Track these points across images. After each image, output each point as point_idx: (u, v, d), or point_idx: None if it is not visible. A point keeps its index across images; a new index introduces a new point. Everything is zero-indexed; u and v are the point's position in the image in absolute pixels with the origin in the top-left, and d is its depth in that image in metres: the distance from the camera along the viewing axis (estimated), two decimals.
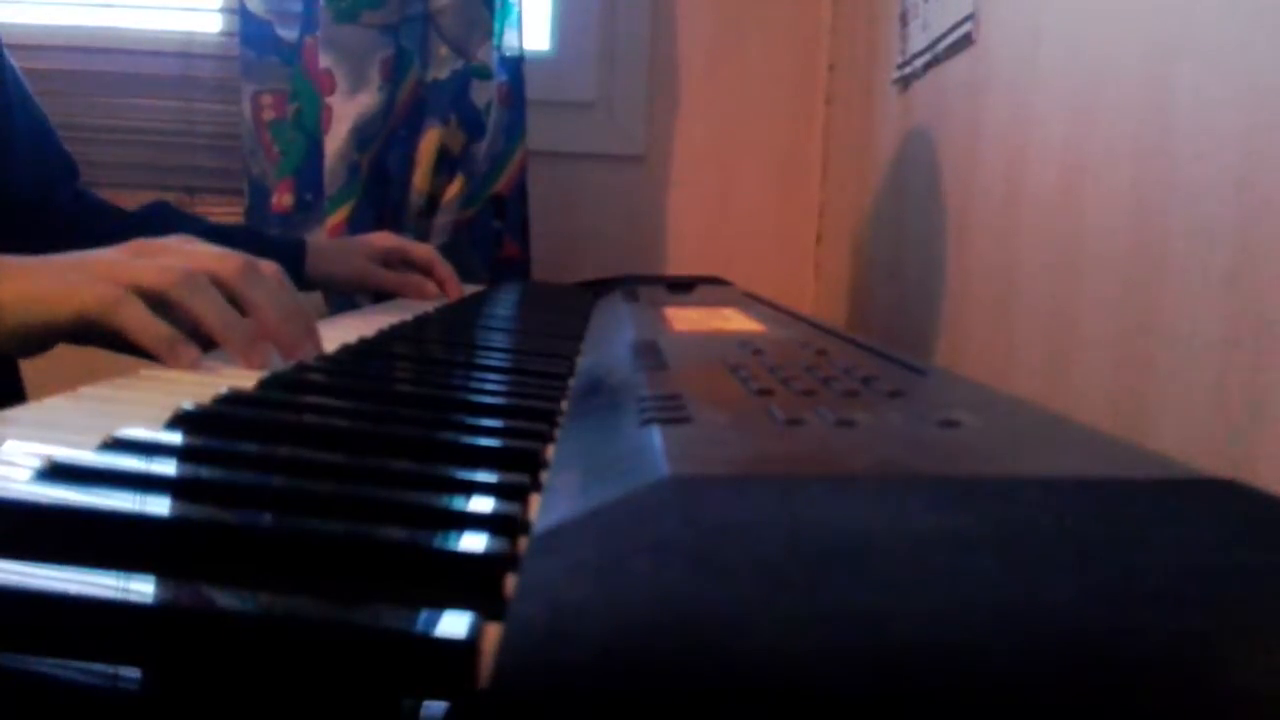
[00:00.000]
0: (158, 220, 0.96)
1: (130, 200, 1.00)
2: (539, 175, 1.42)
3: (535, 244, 1.41)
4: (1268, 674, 0.16)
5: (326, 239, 1.22)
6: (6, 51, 0.87)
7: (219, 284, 0.51)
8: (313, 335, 0.55)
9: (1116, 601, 0.17)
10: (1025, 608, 0.17)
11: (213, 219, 1.19)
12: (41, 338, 0.51)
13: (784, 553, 0.18)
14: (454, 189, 1.32)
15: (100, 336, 0.50)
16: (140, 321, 0.48)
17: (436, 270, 1.10)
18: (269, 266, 0.55)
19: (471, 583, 0.21)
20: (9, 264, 0.52)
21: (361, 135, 1.27)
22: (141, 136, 1.46)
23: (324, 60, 1.26)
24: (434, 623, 0.18)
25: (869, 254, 1.29)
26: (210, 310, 0.50)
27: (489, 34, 1.31)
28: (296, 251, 1.02)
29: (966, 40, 0.93)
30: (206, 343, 0.51)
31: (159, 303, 0.49)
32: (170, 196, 1.33)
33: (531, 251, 1.40)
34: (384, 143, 1.31)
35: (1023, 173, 0.80)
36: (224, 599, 0.20)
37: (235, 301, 0.52)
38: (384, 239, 1.11)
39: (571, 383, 0.47)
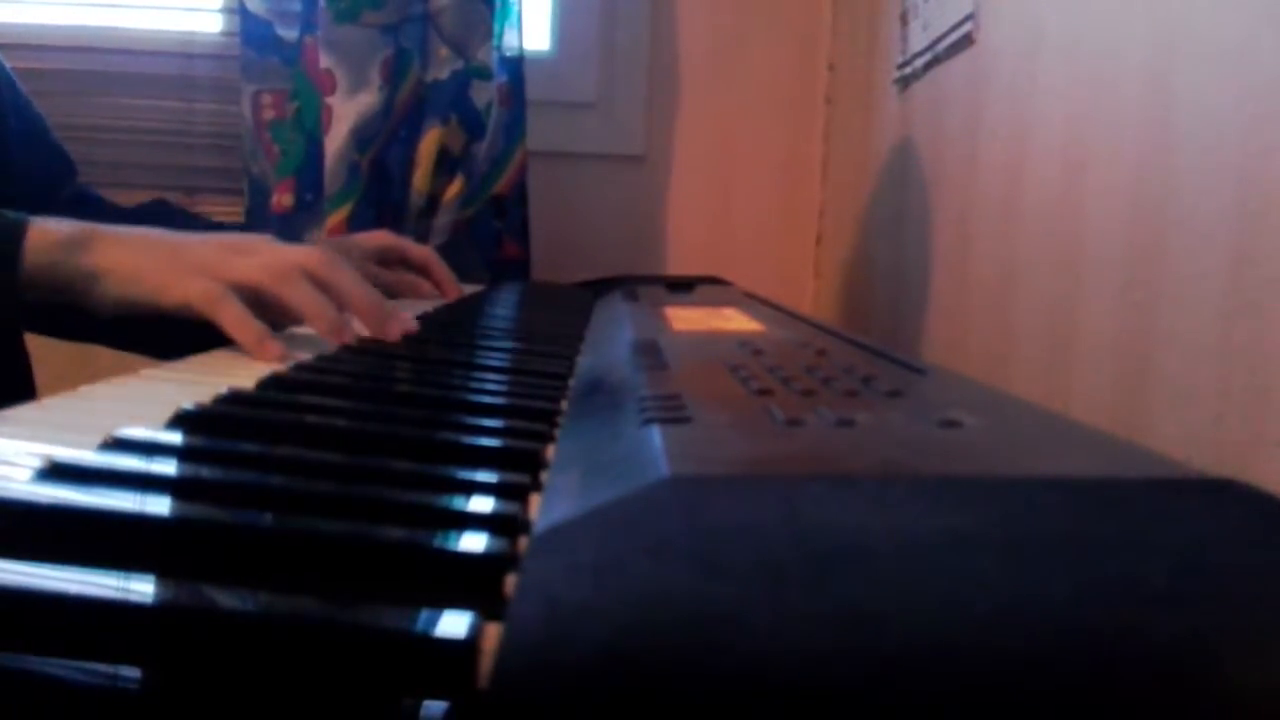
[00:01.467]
0: (158, 218, 0.96)
1: (130, 200, 1.00)
2: (539, 175, 1.42)
3: (535, 244, 1.41)
4: (1268, 674, 0.16)
5: (323, 239, 1.22)
6: None
7: (309, 276, 0.57)
8: (397, 314, 0.61)
9: (1116, 601, 0.17)
10: (1025, 607, 0.17)
11: (213, 219, 1.19)
12: (139, 311, 0.58)
13: (784, 553, 0.18)
14: (454, 189, 1.32)
15: (191, 324, 0.56)
16: (236, 317, 0.54)
17: (434, 271, 1.10)
18: (345, 261, 0.62)
19: (471, 583, 0.21)
20: (110, 234, 0.59)
21: (362, 135, 1.27)
22: (141, 136, 1.46)
23: (324, 60, 1.26)
24: (434, 623, 0.18)
25: (869, 254, 1.29)
26: (306, 300, 0.56)
27: (489, 34, 1.32)
28: None
29: (966, 40, 0.93)
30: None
31: (254, 296, 0.55)
32: (170, 196, 1.33)
33: (531, 251, 1.40)
34: (384, 143, 1.31)
35: (1023, 173, 0.80)
36: (224, 599, 0.20)
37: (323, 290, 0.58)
38: (381, 238, 1.10)
39: (571, 382, 0.47)
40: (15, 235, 0.58)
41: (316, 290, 0.57)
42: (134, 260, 0.57)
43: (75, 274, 0.58)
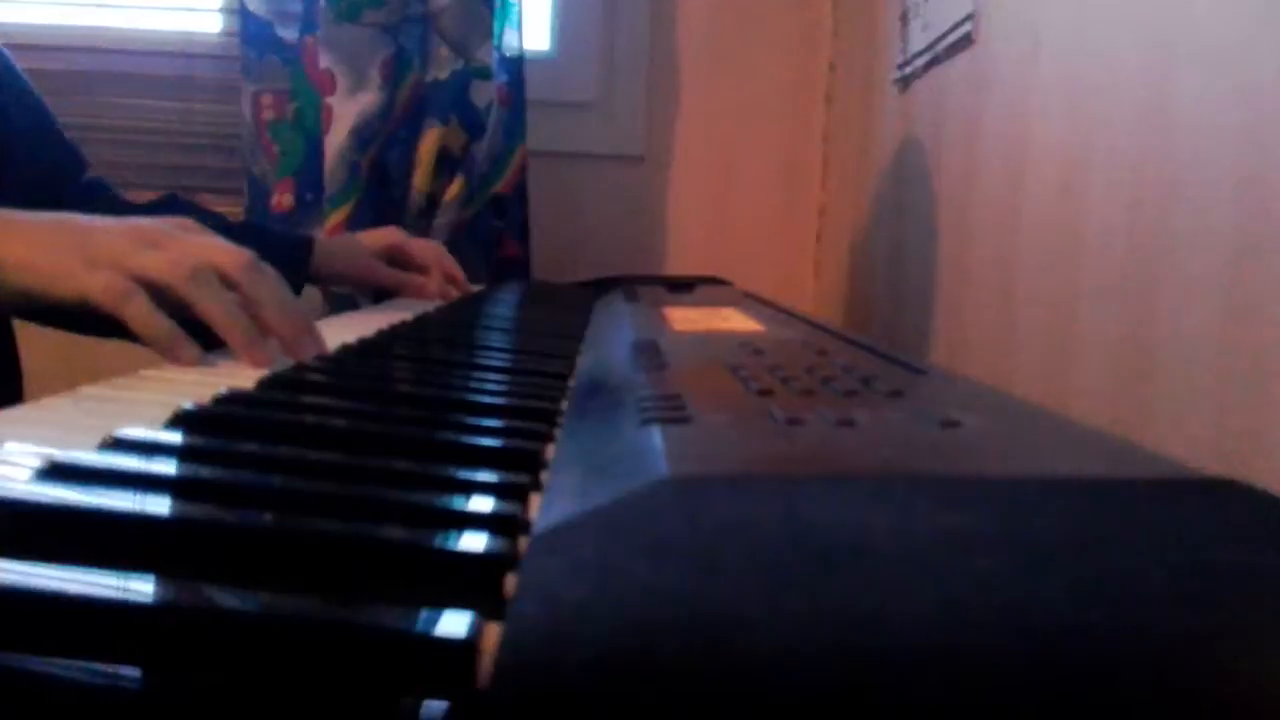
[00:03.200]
0: (172, 213, 0.96)
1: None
2: (539, 175, 1.42)
3: (535, 244, 1.41)
4: (1268, 674, 0.16)
5: (335, 237, 1.22)
6: (4, 50, 0.87)
7: (223, 279, 0.52)
8: (314, 334, 0.55)
9: (1117, 601, 0.17)
10: (1025, 607, 0.17)
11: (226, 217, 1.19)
12: (39, 306, 0.52)
13: (784, 553, 0.18)
14: (454, 189, 1.32)
15: (97, 318, 0.50)
16: (145, 317, 0.49)
17: (443, 270, 1.10)
18: (268, 267, 0.55)
19: (471, 582, 0.21)
20: (2, 220, 0.52)
21: (362, 135, 1.27)
22: (141, 136, 1.46)
23: (324, 60, 1.26)
24: (434, 622, 0.18)
25: (869, 254, 1.29)
26: (216, 306, 0.50)
27: (489, 34, 1.32)
28: (305, 247, 1.02)
29: (966, 40, 0.93)
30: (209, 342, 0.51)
31: (163, 294, 0.50)
32: None
33: (531, 251, 1.40)
34: (384, 143, 1.31)
35: (1023, 173, 0.80)
36: (224, 599, 0.20)
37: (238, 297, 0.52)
38: (389, 235, 1.11)
39: (571, 383, 0.47)
40: None
41: (230, 297, 0.51)
42: (25, 249, 0.51)
43: None
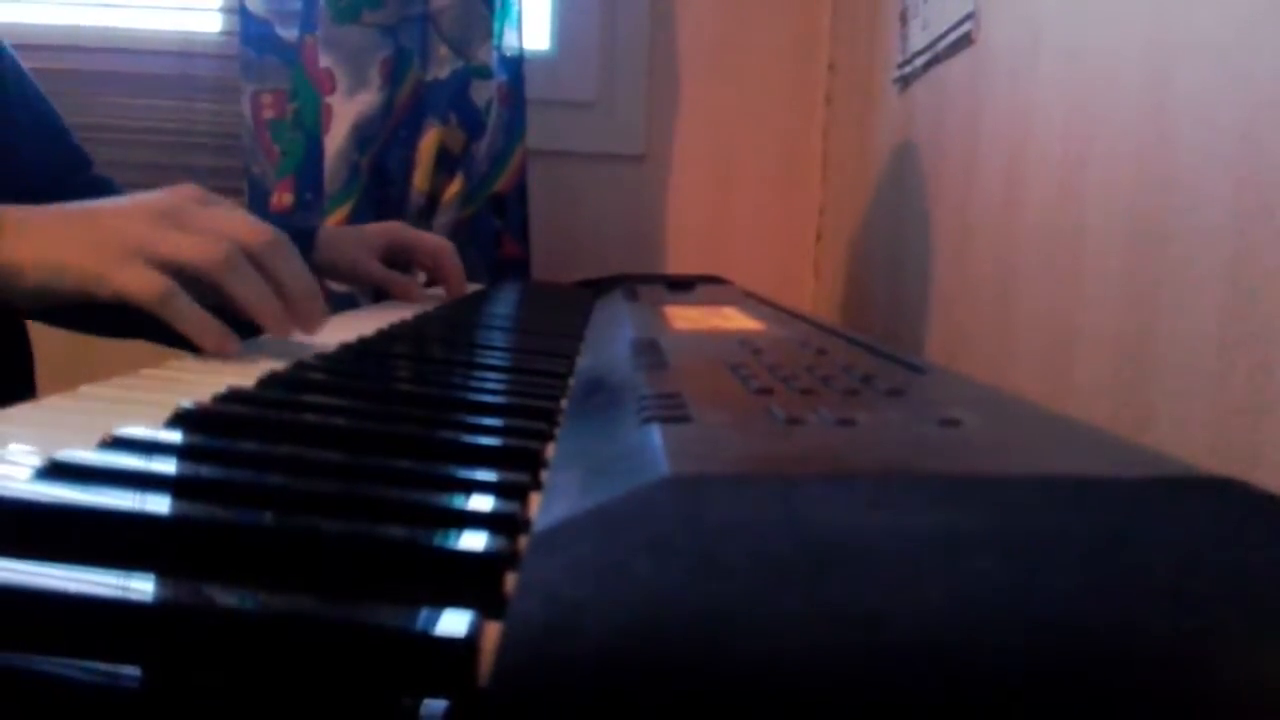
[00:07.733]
0: None
1: None
2: (539, 175, 1.42)
3: (535, 243, 1.41)
4: (1268, 673, 0.16)
5: (337, 227, 1.17)
6: (8, 47, 0.87)
7: (248, 256, 0.53)
8: (323, 308, 0.56)
9: (1116, 601, 0.17)
10: (1025, 607, 0.17)
11: None
12: (65, 301, 0.52)
13: (784, 552, 0.18)
14: (454, 188, 1.32)
15: (108, 318, 0.51)
16: (187, 314, 0.50)
17: (443, 265, 1.06)
18: (286, 238, 0.56)
19: (471, 581, 0.21)
20: (16, 219, 0.52)
21: (361, 135, 1.27)
22: (141, 136, 1.46)
23: (324, 60, 1.26)
24: (434, 621, 0.18)
25: (869, 254, 1.29)
26: (250, 292, 0.52)
27: (489, 34, 1.32)
28: (307, 239, 0.98)
29: (966, 40, 0.93)
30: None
31: (194, 279, 0.51)
32: None
33: (531, 251, 1.40)
34: (384, 142, 1.31)
35: (1023, 173, 0.80)
36: (224, 598, 0.20)
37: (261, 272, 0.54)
38: (392, 232, 1.06)
39: (571, 381, 0.47)
40: None
41: (260, 277, 0.52)
42: (45, 247, 0.51)
43: None
